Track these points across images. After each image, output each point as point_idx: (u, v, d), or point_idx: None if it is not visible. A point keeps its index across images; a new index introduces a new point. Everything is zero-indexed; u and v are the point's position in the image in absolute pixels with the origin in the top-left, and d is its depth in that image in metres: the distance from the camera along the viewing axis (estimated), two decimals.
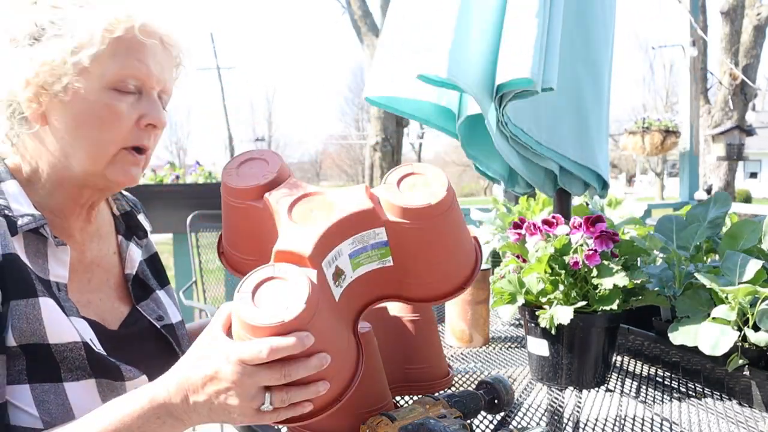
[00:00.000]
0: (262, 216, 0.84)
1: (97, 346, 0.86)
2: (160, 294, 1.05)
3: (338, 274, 0.79)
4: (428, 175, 0.85)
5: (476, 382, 1.11)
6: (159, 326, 0.99)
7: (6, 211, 0.85)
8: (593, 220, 1.12)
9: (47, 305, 0.82)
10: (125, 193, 1.10)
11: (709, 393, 1.13)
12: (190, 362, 0.73)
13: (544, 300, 1.14)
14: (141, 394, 0.75)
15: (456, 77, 1.13)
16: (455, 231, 0.87)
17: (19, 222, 0.85)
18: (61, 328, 0.83)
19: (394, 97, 1.46)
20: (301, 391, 0.72)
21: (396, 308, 1.12)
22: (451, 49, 1.14)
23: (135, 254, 1.03)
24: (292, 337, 0.68)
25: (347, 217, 0.78)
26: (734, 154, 8.25)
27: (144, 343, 0.97)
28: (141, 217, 1.10)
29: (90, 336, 0.86)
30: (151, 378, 0.89)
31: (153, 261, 1.09)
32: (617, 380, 1.21)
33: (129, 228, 1.06)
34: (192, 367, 0.72)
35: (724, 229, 1.30)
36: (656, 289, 1.23)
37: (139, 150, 0.92)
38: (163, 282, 1.09)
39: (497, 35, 1.20)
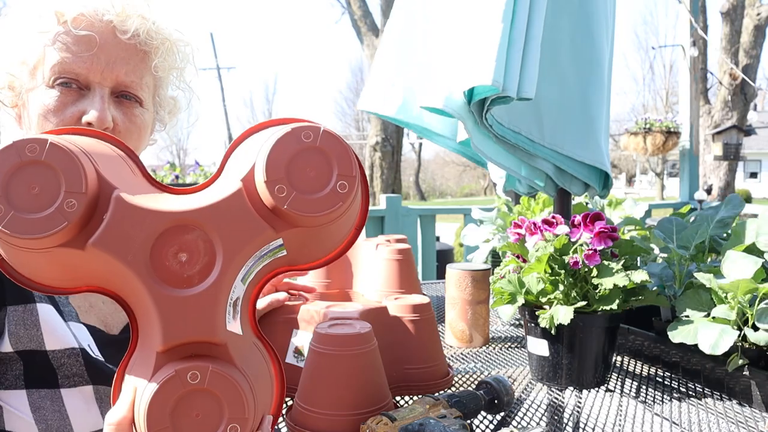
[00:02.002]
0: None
1: (95, 352, 0.86)
2: None
3: (236, 305, 0.61)
4: (326, 151, 0.63)
5: (476, 382, 1.11)
6: None
7: None
8: (592, 218, 1.12)
9: (45, 311, 0.82)
10: None
11: (709, 393, 1.13)
12: None
13: (544, 300, 1.14)
14: None
15: (449, 106, 1.16)
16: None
17: None
18: (59, 334, 0.82)
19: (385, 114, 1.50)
20: None
21: (396, 308, 1.12)
22: (445, 81, 1.16)
23: None
24: None
25: (239, 256, 0.58)
26: (731, 154, 8.25)
27: None
28: None
29: (88, 342, 0.86)
30: None
31: None
32: (617, 380, 1.21)
33: None
34: None
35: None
36: (656, 289, 1.23)
37: None
38: None
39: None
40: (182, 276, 0.56)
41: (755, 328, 1.04)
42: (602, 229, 1.10)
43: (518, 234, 1.22)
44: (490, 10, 1.15)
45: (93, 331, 0.88)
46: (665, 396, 1.13)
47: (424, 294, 1.34)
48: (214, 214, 0.57)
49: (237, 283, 0.60)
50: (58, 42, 0.83)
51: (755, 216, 1.25)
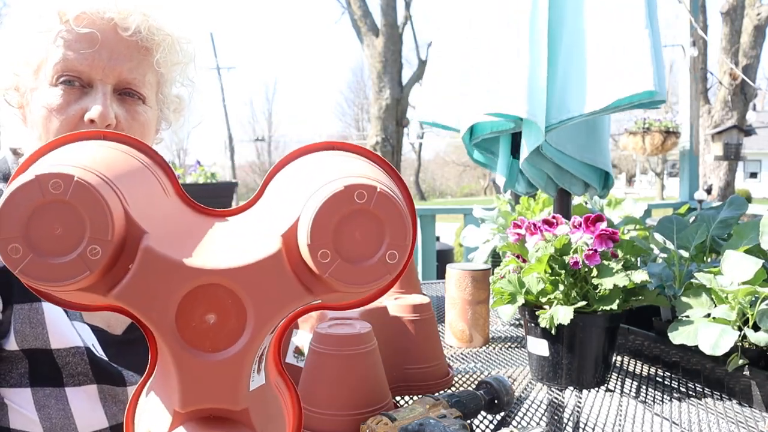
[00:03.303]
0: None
1: (99, 352, 0.86)
2: None
3: (261, 358, 0.59)
4: (374, 213, 0.56)
5: (476, 382, 1.11)
6: None
7: None
8: (593, 220, 1.12)
9: (50, 309, 0.82)
10: None
11: (709, 393, 1.13)
12: None
13: (544, 300, 1.14)
14: None
15: (533, 115, 1.17)
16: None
17: None
18: (64, 332, 0.82)
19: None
20: None
21: (396, 308, 1.12)
22: (529, 89, 1.18)
23: None
24: None
25: (271, 322, 0.55)
26: (731, 154, 8.25)
27: (148, 350, 0.96)
28: None
29: (92, 341, 0.86)
30: None
31: None
32: (617, 380, 1.21)
33: None
34: None
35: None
36: (656, 289, 1.23)
37: None
38: None
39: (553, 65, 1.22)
40: (208, 339, 0.53)
41: (756, 328, 1.04)
42: (603, 231, 1.10)
43: (518, 234, 1.22)
44: (629, 16, 1.16)
45: (96, 331, 0.88)
46: (665, 396, 1.13)
47: (424, 294, 1.34)
48: (249, 276, 0.52)
49: (266, 340, 0.56)
50: (60, 40, 0.83)
51: (755, 216, 1.25)
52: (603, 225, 1.11)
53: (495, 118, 1.35)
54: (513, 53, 1.28)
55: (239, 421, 0.54)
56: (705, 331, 1.04)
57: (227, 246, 0.55)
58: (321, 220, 0.52)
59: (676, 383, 1.19)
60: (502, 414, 1.03)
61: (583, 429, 1.00)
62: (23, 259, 0.49)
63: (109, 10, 0.84)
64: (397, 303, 1.12)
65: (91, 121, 0.83)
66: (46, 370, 0.82)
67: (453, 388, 1.16)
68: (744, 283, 1.06)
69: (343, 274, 0.53)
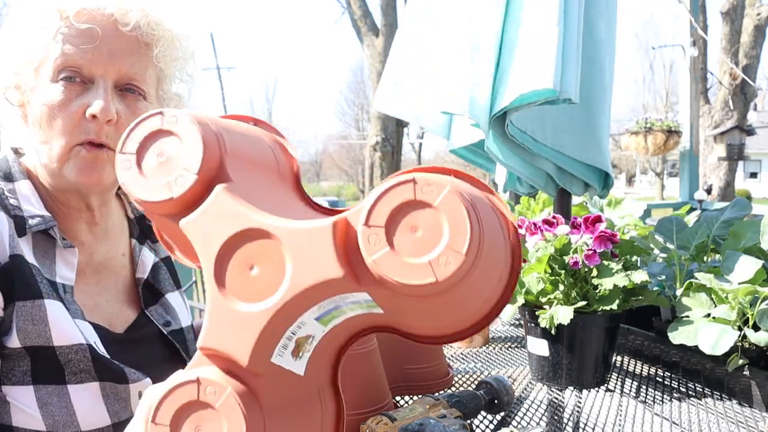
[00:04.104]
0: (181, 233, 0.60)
1: (101, 350, 0.86)
2: (171, 298, 1.04)
3: (300, 344, 0.58)
4: (439, 210, 0.52)
5: (476, 382, 1.11)
6: (166, 332, 0.99)
7: (17, 211, 0.85)
8: (593, 220, 1.12)
9: (53, 307, 0.82)
10: None
11: (709, 393, 1.13)
12: None
13: (544, 300, 1.14)
14: None
15: (473, 114, 1.17)
16: (473, 289, 0.59)
17: (29, 222, 0.85)
18: (66, 330, 0.82)
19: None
20: None
21: None
22: (470, 90, 1.17)
23: (147, 258, 1.02)
24: None
25: (305, 291, 0.53)
26: (735, 154, 8.26)
27: (150, 348, 0.96)
28: None
29: (94, 339, 0.86)
30: (155, 382, 0.89)
31: (167, 264, 1.08)
32: (617, 380, 1.21)
33: (143, 231, 1.05)
34: None
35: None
36: (656, 289, 1.23)
37: (99, 145, 0.85)
38: (177, 284, 1.08)
39: (503, 54, 1.22)
40: (244, 288, 0.54)
41: (756, 328, 1.04)
42: (602, 233, 1.10)
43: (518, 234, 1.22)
44: (543, 13, 1.16)
45: (98, 329, 0.89)
46: (665, 396, 1.13)
47: None
48: (294, 236, 0.53)
49: (308, 320, 0.56)
50: (60, 36, 0.84)
51: (756, 216, 1.25)
52: (602, 226, 1.11)
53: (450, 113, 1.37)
54: (463, 49, 1.29)
55: (249, 385, 0.54)
56: (705, 331, 1.04)
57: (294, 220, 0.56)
58: (380, 203, 0.52)
59: (676, 383, 1.19)
60: (502, 414, 1.03)
61: (583, 429, 1.00)
62: (133, 174, 0.59)
63: (109, 5, 0.85)
64: None
65: (93, 116, 0.83)
66: (48, 368, 0.82)
67: (453, 388, 1.16)
68: (744, 282, 1.06)
69: (388, 263, 0.51)
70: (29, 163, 0.92)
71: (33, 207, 0.86)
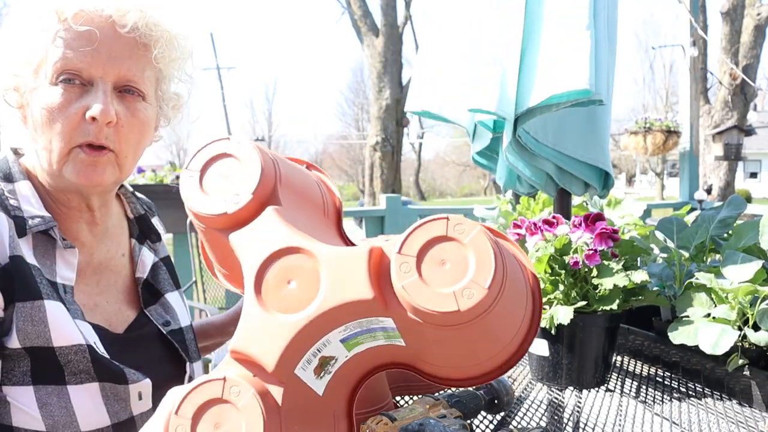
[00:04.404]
0: (229, 252, 0.65)
1: (101, 350, 0.86)
2: (170, 297, 1.04)
3: (324, 364, 0.61)
4: (467, 247, 0.57)
5: None
6: (165, 332, 0.99)
7: (17, 212, 0.85)
8: (593, 219, 1.12)
9: (53, 308, 0.82)
10: (140, 196, 1.09)
11: (709, 393, 1.13)
12: None
13: (544, 300, 1.14)
14: None
15: (501, 109, 1.17)
16: (494, 327, 0.61)
17: (29, 223, 0.85)
18: (66, 330, 0.82)
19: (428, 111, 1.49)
20: None
21: None
22: (500, 84, 1.18)
23: (147, 258, 1.02)
24: None
25: (336, 308, 0.58)
26: (732, 154, 8.25)
27: (149, 348, 0.96)
28: (155, 221, 1.10)
29: (94, 339, 0.86)
30: (155, 381, 0.89)
31: (166, 263, 1.08)
32: (617, 380, 1.21)
33: (142, 231, 1.05)
34: None
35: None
36: (656, 288, 1.23)
37: (99, 147, 0.85)
38: (176, 284, 1.08)
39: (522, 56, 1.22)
40: (278, 299, 0.59)
41: (756, 328, 1.04)
42: (603, 230, 1.10)
43: (518, 234, 1.22)
44: (574, 15, 1.17)
45: (97, 329, 0.89)
46: (665, 396, 1.13)
47: None
48: (330, 258, 0.59)
49: (333, 340, 0.60)
50: (59, 39, 0.84)
51: (755, 216, 1.25)
52: (603, 224, 1.11)
53: (478, 114, 1.36)
54: (491, 47, 1.29)
55: (269, 393, 0.58)
56: (705, 331, 1.04)
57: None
58: (414, 235, 0.58)
59: (676, 383, 1.19)
60: (502, 414, 1.03)
61: (583, 429, 1.00)
62: (194, 189, 0.67)
63: (107, 7, 0.85)
64: None
65: (93, 119, 0.83)
66: (48, 369, 0.82)
67: (453, 388, 1.16)
68: (744, 282, 1.06)
69: (415, 290, 0.56)
70: (29, 163, 0.92)
71: (33, 207, 0.86)
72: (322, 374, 0.62)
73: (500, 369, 0.66)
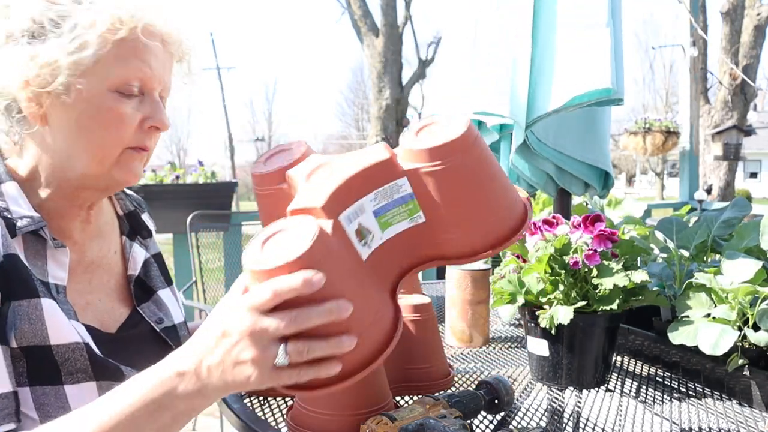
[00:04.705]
0: (291, 198, 0.77)
1: (95, 350, 0.86)
2: (163, 294, 1.04)
3: (362, 232, 0.72)
4: (447, 121, 0.77)
5: (476, 382, 1.11)
6: (158, 329, 0.99)
7: (5, 213, 0.84)
8: (592, 219, 1.12)
9: (49, 306, 0.82)
10: (129, 192, 1.09)
11: (709, 393, 1.13)
12: (203, 329, 0.68)
13: (544, 300, 1.14)
14: (155, 369, 0.69)
15: (514, 114, 1.18)
16: (485, 169, 0.77)
17: (18, 224, 0.84)
18: (63, 329, 0.82)
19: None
20: (321, 343, 0.64)
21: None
22: (510, 90, 1.19)
23: (138, 255, 1.02)
24: (297, 276, 0.62)
25: (363, 169, 0.73)
26: (731, 154, 8.25)
27: (143, 346, 0.97)
28: (145, 217, 1.10)
29: (88, 339, 0.86)
30: None
31: (157, 260, 1.09)
32: (617, 380, 1.21)
33: (133, 228, 1.05)
34: (205, 331, 0.67)
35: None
36: (656, 289, 1.23)
37: (141, 149, 0.92)
38: (168, 281, 1.08)
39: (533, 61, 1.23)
40: (320, 175, 0.77)
41: (756, 328, 1.04)
42: (602, 232, 1.10)
43: None
44: (592, 15, 1.17)
45: (89, 329, 0.88)
46: (665, 396, 1.13)
47: (424, 294, 1.34)
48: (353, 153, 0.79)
49: (367, 209, 0.74)
50: (128, 48, 0.86)
51: (756, 216, 1.25)
52: (602, 225, 1.11)
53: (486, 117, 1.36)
54: (501, 52, 1.29)
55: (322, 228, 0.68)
56: (705, 331, 1.04)
57: None
58: (417, 126, 0.82)
59: (676, 383, 1.19)
60: (502, 414, 1.03)
61: (583, 429, 1.00)
62: (263, 168, 0.89)
63: (163, 26, 0.91)
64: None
65: (155, 128, 0.91)
66: (44, 369, 0.82)
67: (453, 388, 1.16)
68: (744, 282, 1.06)
69: (415, 140, 0.79)
70: (12, 163, 0.90)
71: (21, 208, 0.86)
72: (363, 241, 0.73)
73: (506, 240, 0.80)
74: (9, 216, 0.84)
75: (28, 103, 0.86)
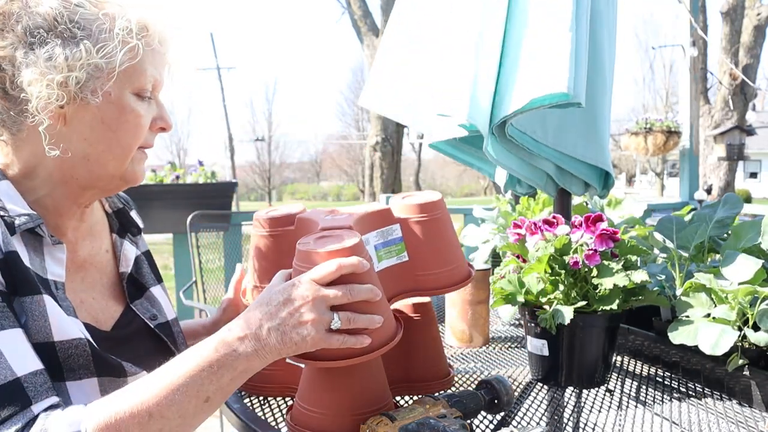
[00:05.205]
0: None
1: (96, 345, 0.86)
2: (154, 291, 1.05)
3: (369, 260, 0.86)
4: (425, 193, 1.05)
5: (476, 382, 1.11)
6: (153, 326, 0.99)
7: (2, 212, 0.84)
8: (593, 219, 1.12)
9: (50, 302, 0.82)
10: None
11: (709, 393, 1.13)
12: (255, 305, 0.79)
13: (544, 300, 1.14)
14: (214, 337, 0.78)
15: (472, 118, 1.18)
16: (451, 226, 1.05)
17: (17, 222, 0.84)
18: (65, 325, 0.83)
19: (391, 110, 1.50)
20: (361, 316, 0.80)
21: (398, 308, 1.12)
22: (470, 94, 1.19)
23: (129, 252, 1.03)
24: (353, 258, 0.81)
25: (372, 212, 0.98)
26: (735, 154, 8.25)
27: (138, 343, 0.97)
28: (133, 214, 1.10)
29: (88, 336, 0.86)
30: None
31: (147, 257, 1.09)
32: (617, 380, 1.21)
33: (122, 225, 1.05)
34: (260, 304, 0.79)
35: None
36: (656, 289, 1.23)
37: (145, 149, 0.97)
38: (158, 278, 1.09)
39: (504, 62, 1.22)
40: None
41: (755, 328, 1.04)
42: (603, 231, 1.10)
43: (518, 234, 1.22)
44: (555, 17, 1.17)
45: (86, 327, 0.89)
46: (665, 396, 1.13)
47: None
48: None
49: (371, 242, 0.96)
50: (147, 53, 0.89)
51: (755, 216, 1.25)
52: (603, 225, 1.11)
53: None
54: (463, 52, 1.29)
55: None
56: (705, 331, 1.04)
57: None
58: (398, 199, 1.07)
59: (676, 383, 1.19)
60: (502, 414, 1.03)
61: (583, 429, 1.00)
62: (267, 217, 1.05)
63: (170, 31, 0.94)
64: (397, 304, 1.12)
65: (163, 129, 0.97)
66: (47, 366, 0.82)
67: (453, 388, 1.16)
68: (744, 283, 1.06)
69: (405, 200, 1.05)
70: (1, 162, 0.90)
71: (17, 206, 0.86)
72: (376, 260, 0.96)
73: (465, 279, 1.05)
74: (6, 214, 0.84)
75: (53, 102, 0.84)
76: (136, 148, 0.93)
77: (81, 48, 0.84)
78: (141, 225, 1.11)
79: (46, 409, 0.76)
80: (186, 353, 0.78)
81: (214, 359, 0.76)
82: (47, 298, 0.82)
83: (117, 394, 0.76)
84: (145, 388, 0.76)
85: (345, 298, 0.79)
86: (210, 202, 3.73)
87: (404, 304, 1.12)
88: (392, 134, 10.42)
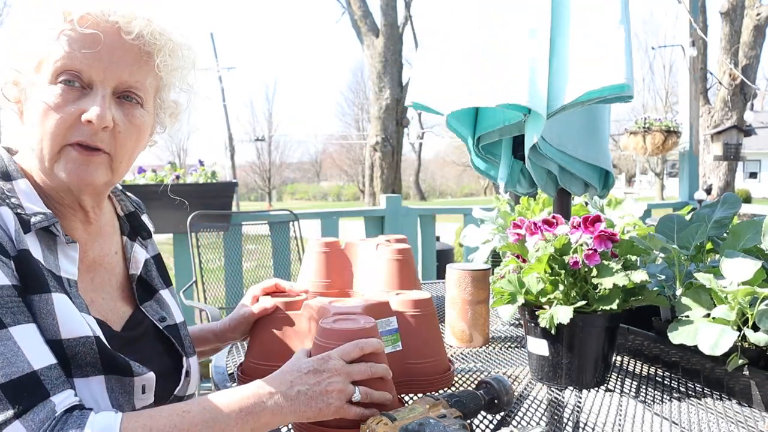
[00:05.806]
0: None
1: (106, 343, 0.86)
2: (164, 294, 1.05)
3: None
4: (413, 291, 1.21)
5: (476, 382, 1.11)
6: (162, 327, 0.99)
7: (19, 210, 0.85)
8: (592, 220, 1.12)
9: (60, 300, 0.82)
10: (129, 193, 1.10)
11: (709, 393, 1.13)
12: (291, 368, 0.86)
13: (544, 300, 1.14)
14: (250, 385, 0.85)
15: (534, 104, 1.18)
16: (437, 324, 1.16)
17: (32, 220, 0.85)
18: (74, 322, 0.83)
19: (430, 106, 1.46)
20: (375, 393, 0.88)
21: (398, 303, 1.12)
22: (529, 78, 1.18)
23: (139, 255, 1.03)
24: (372, 339, 0.90)
25: (374, 303, 1.09)
26: (731, 154, 8.23)
27: (146, 344, 0.97)
28: (144, 218, 1.10)
29: (99, 333, 0.86)
30: (158, 375, 0.89)
31: (157, 261, 1.09)
32: (617, 380, 1.21)
33: (133, 228, 1.05)
34: (297, 367, 0.86)
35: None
36: (656, 289, 1.23)
37: (93, 149, 0.87)
38: (167, 282, 1.09)
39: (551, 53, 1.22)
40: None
41: (755, 329, 1.04)
42: (602, 232, 1.11)
43: (518, 234, 1.22)
44: (607, 12, 1.18)
45: (100, 324, 0.89)
46: (665, 396, 1.13)
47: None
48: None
49: (381, 329, 1.08)
50: (64, 38, 0.84)
51: (754, 216, 1.25)
52: (602, 225, 1.11)
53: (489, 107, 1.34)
54: (516, 42, 1.28)
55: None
56: (705, 331, 1.05)
57: None
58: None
59: (676, 383, 1.19)
60: (502, 414, 1.03)
61: (583, 429, 1.00)
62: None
63: (114, 13, 0.85)
64: (398, 298, 1.12)
65: (89, 122, 0.84)
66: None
67: (453, 388, 1.16)
68: (743, 283, 1.06)
69: (402, 297, 1.17)
70: (23, 161, 0.91)
71: (34, 205, 0.86)
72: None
73: (448, 370, 1.14)
74: (22, 212, 0.85)
75: (14, 102, 0.89)
76: (64, 144, 0.85)
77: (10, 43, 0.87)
78: (152, 229, 1.11)
79: (70, 409, 0.77)
80: (224, 391, 0.84)
81: (245, 405, 0.82)
82: (56, 296, 0.82)
83: (152, 413, 0.80)
84: (180, 414, 0.80)
85: (366, 374, 0.87)
86: (210, 202, 3.73)
87: (405, 299, 1.12)
88: (392, 134, 10.42)
